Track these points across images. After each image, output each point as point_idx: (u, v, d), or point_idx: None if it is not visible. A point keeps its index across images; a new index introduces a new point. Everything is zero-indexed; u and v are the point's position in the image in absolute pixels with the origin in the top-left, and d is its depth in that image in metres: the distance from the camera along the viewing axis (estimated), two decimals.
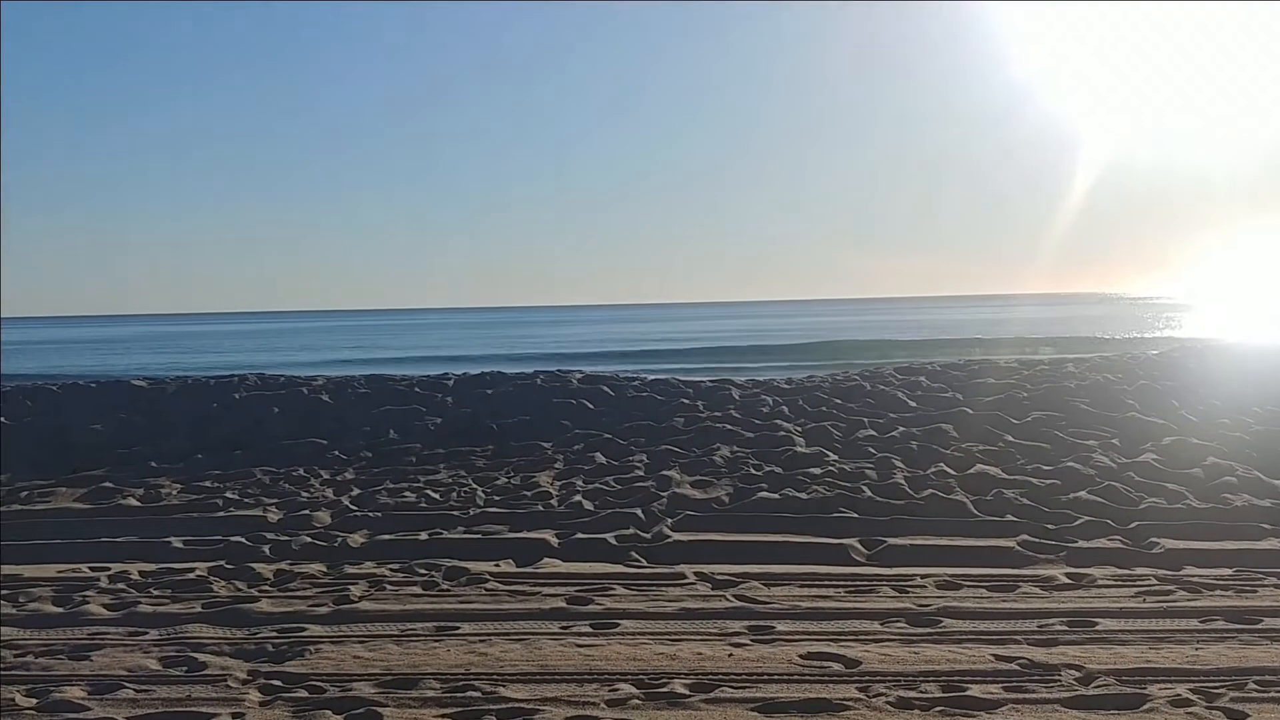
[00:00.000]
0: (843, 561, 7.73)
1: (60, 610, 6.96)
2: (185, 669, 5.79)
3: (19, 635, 6.51)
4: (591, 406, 12.85)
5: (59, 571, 8.01)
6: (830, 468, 10.23)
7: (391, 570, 7.69)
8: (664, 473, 10.22)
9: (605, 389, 13.57)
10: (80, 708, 5.24)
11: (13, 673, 5.80)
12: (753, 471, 10.18)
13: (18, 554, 8.53)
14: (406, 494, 9.89)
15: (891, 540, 8.05)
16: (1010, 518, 8.57)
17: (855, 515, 8.69)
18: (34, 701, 5.34)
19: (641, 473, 10.37)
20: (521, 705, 5.09)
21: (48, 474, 11.00)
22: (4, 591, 7.45)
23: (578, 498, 9.47)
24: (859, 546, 7.97)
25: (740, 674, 5.46)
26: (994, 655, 5.66)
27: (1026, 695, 5.11)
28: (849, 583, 7.16)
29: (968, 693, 5.12)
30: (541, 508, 9.24)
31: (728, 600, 6.78)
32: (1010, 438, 11.24)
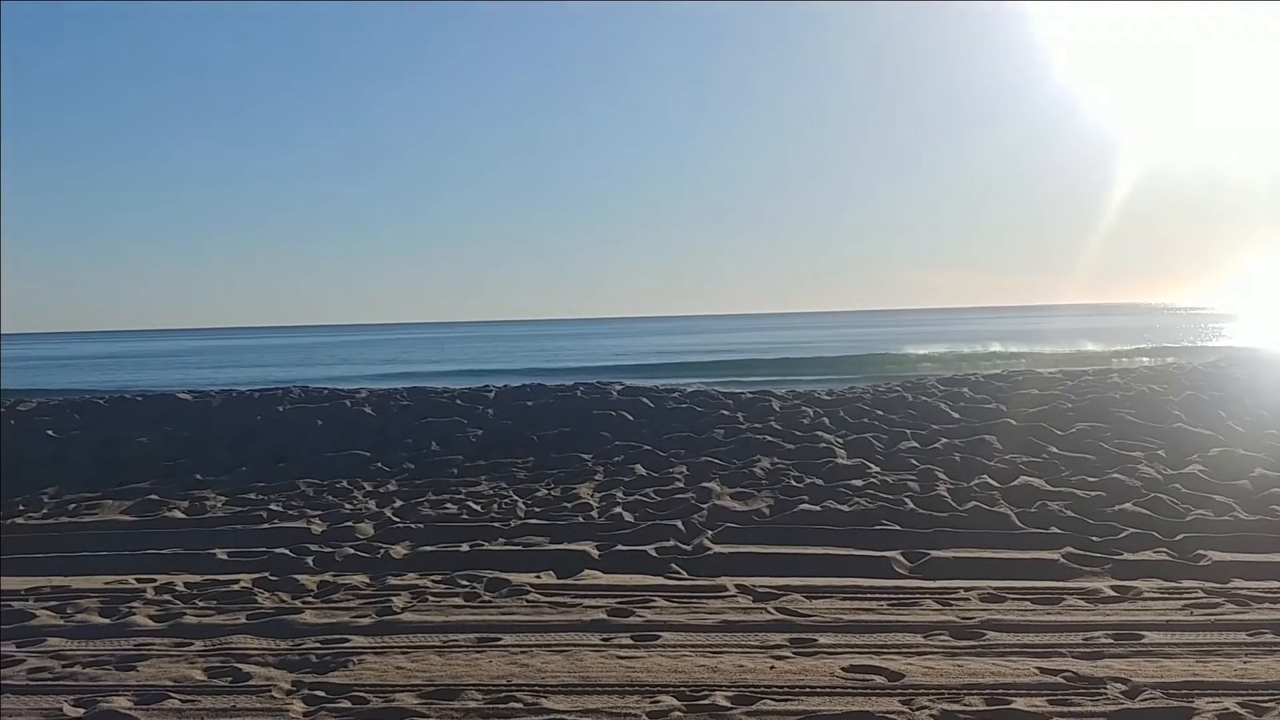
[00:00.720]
0: (885, 574, 7.68)
1: (107, 621, 7.04)
2: (230, 679, 5.84)
3: (67, 645, 6.59)
4: (631, 418, 12.87)
5: (106, 583, 8.11)
6: (872, 480, 10.18)
7: (434, 581, 7.73)
8: (704, 485, 10.22)
9: (645, 401, 13.60)
10: (127, 718, 5.30)
11: (60, 683, 5.88)
12: (794, 483, 10.16)
13: (65, 565, 8.65)
14: (448, 506, 9.94)
15: (934, 553, 8.00)
16: (1055, 530, 8.49)
17: (898, 527, 8.65)
18: (81, 711, 5.41)
19: (682, 485, 10.37)
20: (563, 716, 5.09)
21: (95, 486, 11.15)
22: (52, 602, 7.56)
23: (618, 510, 9.49)
24: (901, 559, 7.92)
25: (782, 687, 5.44)
26: (1038, 668, 5.61)
27: (1071, 709, 5.06)
28: (891, 595, 7.12)
29: (1012, 706, 5.07)
30: (582, 519, 9.26)
31: (769, 613, 6.76)
32: (1054, 449, 11.15)
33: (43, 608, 7.39)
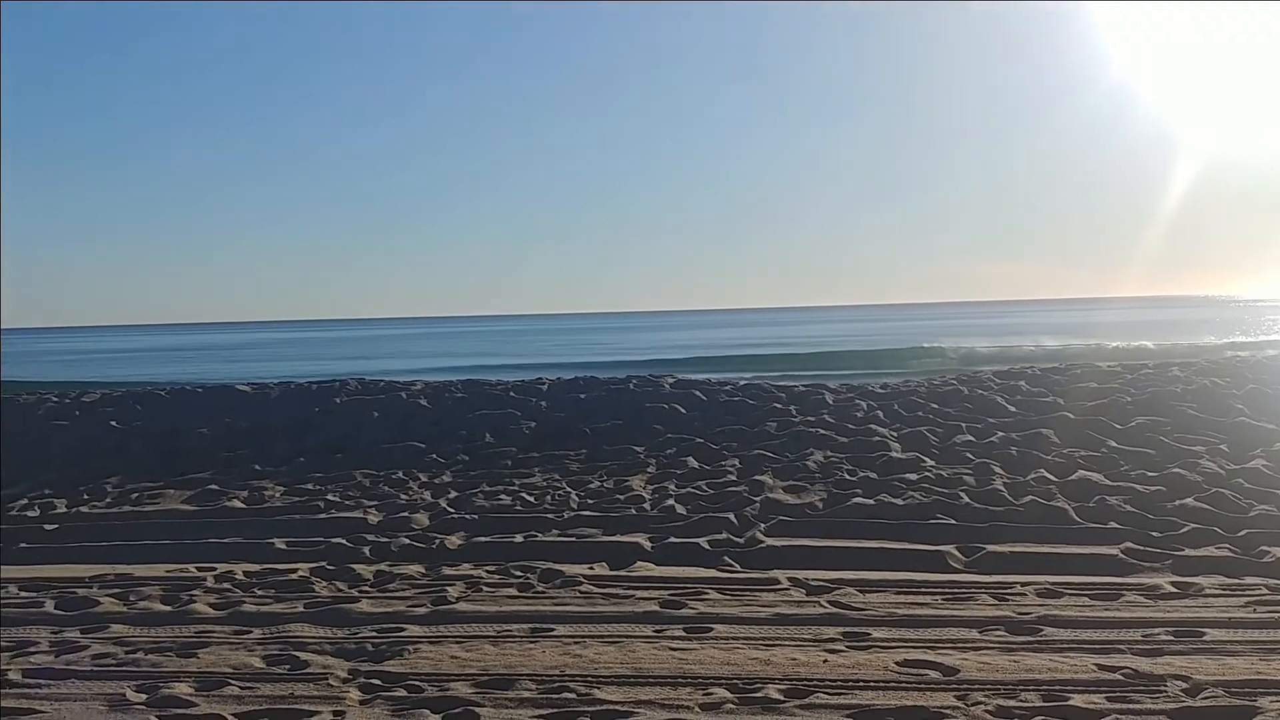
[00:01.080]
0: (940, 568, 7.63)
1: (169, 609, 7.17)
2: (288, 667, 5.92)
3: (130, 632, 6.72)
4: (684, 411, 12.87)
5: (167, 571, 8.26)
6: (927, 473, 10.11)
7: (488, 572, 7.79)
8: (757, 477, 10.20)
9: (697, 394, 13.58)
10: (188, 704, 5.39)
11: (123, 668, 5.99)
12: (847, 477, 10.11)
13: (128, 553, 8.82)
14: (502, 497, 10.00)
15: (990, 547, 7.93)
16: (1113, 525, 8.39)
17: (953, 521, 8.59)
18: (144, 697, 5.51)
19: (734, 477, 10.36)
20: (616, 707, 5.12)
21: (157, 476, 11.33)
22: (116, 589, 7.71)
23: (670, 502, 9.50)
24: (956, 553, 7.86)
25: (835, 680, 5.42)
26: (1097, 665, 5.55)
27: (1131, 706, 4.99)
28: (946, 590, 7.07)
29: (1070, 702, 5.02)
30: (634, 511, 9.28)
31: (822, 606, 6.74)
32: (1113, 443, 11.00)
33: (106, 595, 7.55)
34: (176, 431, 12.67)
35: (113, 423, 13.05)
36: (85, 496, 10.74)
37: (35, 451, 12.29)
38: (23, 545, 9.24)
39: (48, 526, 9.78)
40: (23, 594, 7.70)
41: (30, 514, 10.23)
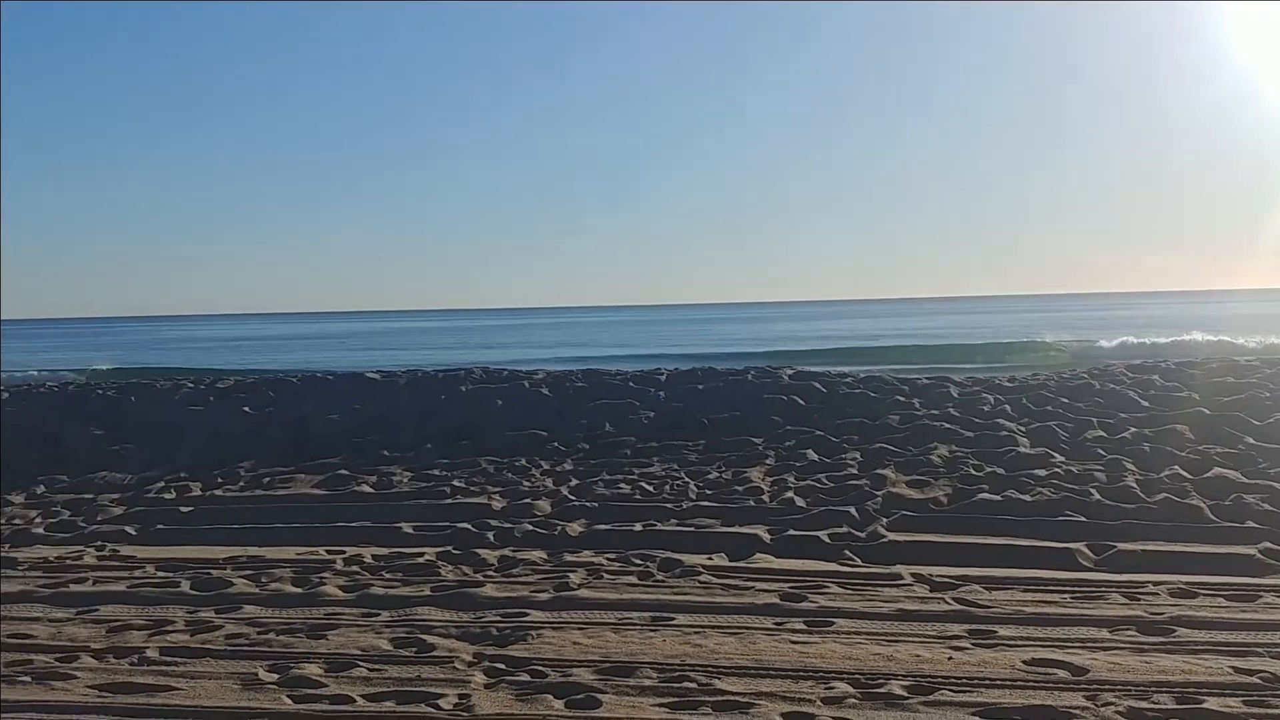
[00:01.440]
0: (1069, 566, 7.45)
1: (299, 591, 7.38)
2: (415, 650, 6.05)
3: (262, 613, 6.94)
4: (803, 403, 12.78)
5: (298, 553, 8.50)
6: (1056, 469, 9.87)
7: (608, 559, 7.86)
8: (878, 471, 10.08)
9: (817, 385, 13.47)
10: (318, 684, 5.55)
11: (256, 648, 6.19)
12: (972, 472, 9.93)
13: (260, 536, 9.10)
14: (622, 486, 10.07)
15: (1121, 545, 7.72)
16: (1251, 524, 8.09)
17: (1083, 519, 8.37)
18: (275, 677, 5.68)
19: (855, 471, 10.26)
20: (737, 698, 5.12)
21: (288, 461, 11.67)
22: (248, 571, 7.97)
23: (790, 494, 9.45)
24: (1086, 551, 7.67)
25: (960, 677, 5.34)
26: (1232, 667, 5.36)
27: (1269, 711, 4.82)
28: (1075, 588, 6.90)
29: (1204, 705, 4.87)
30: (753, 503, 9.26)
31: (946, 603, 6.64)
32: (1251, 440, 10.60)
33: (240, 576, 7.80)
34: (307, 417, 13.02)
35: (246, 408, 13.48)
36: (219, 480, 11.10)
37: (171, 436, 12.75)
38: (159, 527, 9.60)
39: (183, 509, 10.14)
40: (160, 574, 8.01)
41: (166, 496, 10.62)
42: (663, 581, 7.24)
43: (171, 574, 7.95)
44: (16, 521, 9.95)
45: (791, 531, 8.33)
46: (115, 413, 13.75)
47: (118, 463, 11.82)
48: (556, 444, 11.85)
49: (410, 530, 8.98)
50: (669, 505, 9.23)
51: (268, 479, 11.03)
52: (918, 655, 5.70)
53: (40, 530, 9.65)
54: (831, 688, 5.25)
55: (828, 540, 8.09)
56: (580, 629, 6.28)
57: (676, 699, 5.14)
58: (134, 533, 9.43)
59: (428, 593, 7.16)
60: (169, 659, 6.02)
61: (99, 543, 9.16)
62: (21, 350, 63.65)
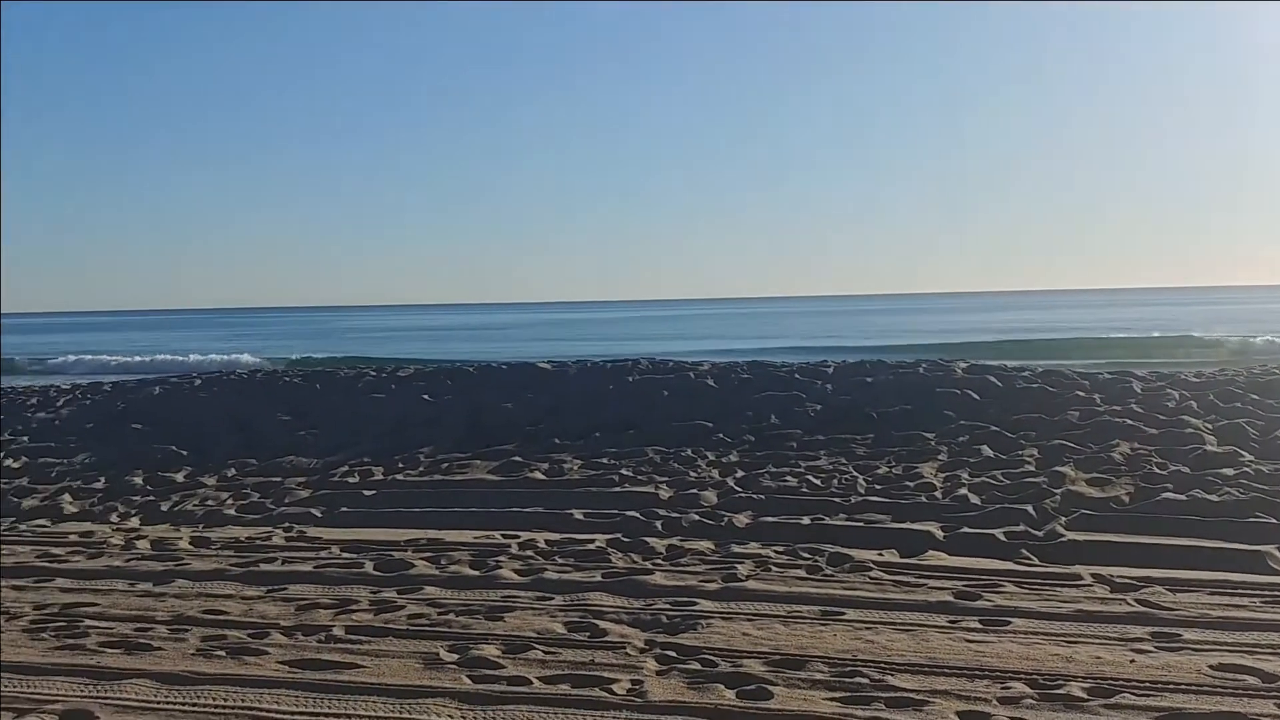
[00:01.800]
0: (1259, 569, 7.10)
1: (477, 573, 7.59)
2: (588, 634, 6.16)
3: (441, 594, 7.16)
4: (977, 397, 12.49)
5: (475, 537, 8.75)
6: (1245, 469, 9.41)
7: (776, 552, 7.84)
8: (1056, 469, 9.78)
9: (992, 379, 13.14)
10: (496, 665, 5.70)
11: (436, 629, 6.39)
12: (1156, 470, 9.55)
13: (439, 520, 9.39)
14: (788, 478, 10.03)
15: None
16: None
17: (1274, 521, 7.97)
18: (455, 657, 5.86)
19: (1032, 468, 9.98)
20: (910, 695, 5.06)
21: (465, 448, 11.99)
22: (428, 553, 8.23)
23: (963, 491, 9.26)
24: (1277, 554, 7.30)
25: (1143, 681, 5.16)
26: None
27: None
28: (1266, 592, 6.57)
29: None
30: (925, 499, 9.10)
31: (1128, 604, 6.41)
32: None
33: (420, 558, 8.07)
34: (483, 406, 13.36)
35: (425, 396, 13.90)
36: (400, 465, 11.49)
37: (355, 422, 13.24)
38: (343, 509, 9.99)
39: (366, 492, 10.53)
40: (344, 555, 8.35)
41: (350, 480, 11.05)
42: (832, 576, 7.19)
43: (355, 555, 8.28)
44: (210, 503, 10.51)
45: (965, 529, 8.16)
46: (301, 399, 14.37)
47: (304, 447, 12.34)
48: (722, 435, 11.87)
49: (581, 517, 9.13)
50: (837, 500, 9.16)
51: (446, 464, 11.36)
52: (1098, 657, 5.53)
53: (232, 511, 10.17)
54: (1008, 687, 5.14)
55: (1003, 538, 7.90)
56: (749, 620, 6.29)
57: (848, 694, 5.11)
58: (319, 515, 9.85)
59: (599, 579, 7.28)
60: (354, 637, 6.27)
61: (287, 524, 9.60)
62: (200, 340, 67.17)
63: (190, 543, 8.98)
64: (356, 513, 9.87)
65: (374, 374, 15.70)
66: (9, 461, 12.48)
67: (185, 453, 12.35)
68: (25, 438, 13.66)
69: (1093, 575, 7.03)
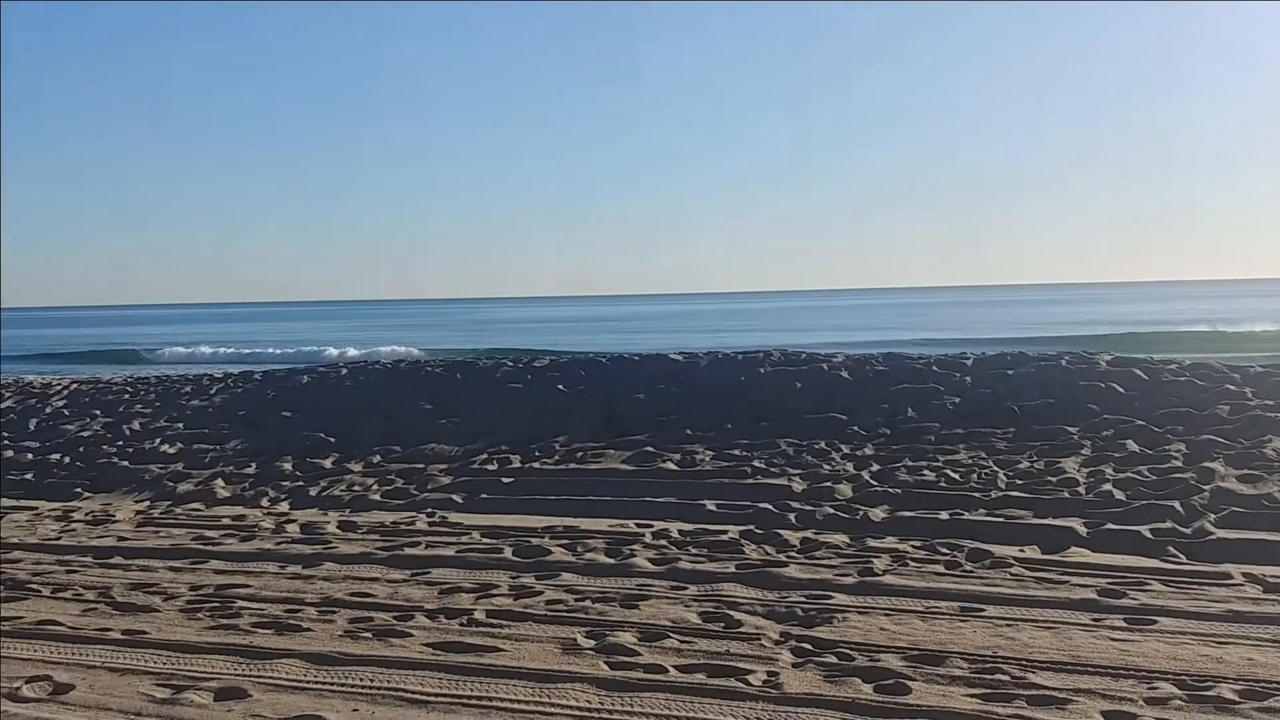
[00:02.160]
0: None
1: (612, 561, 7.70)
2: (722, 625, 6.21)
3: (578, 581, 7.29)
4: (1122, 390, 12.11)
5: (609, 525, 8.87)
6: None
7: (913, 547, 7.76)
8: (1205, 465, 9.45)
9: (1137, 372, 12.73)
10: (632, 652, 5.79)
11: (573, 614, 6.52)
12: None
13: (574, 508, 9.54)
14: (925, 472, 9.90)
15: None
16: None
17: None
18: (593, 643, 5.97)
19: (1179, 463, 9.66)
20: (1053, 693, 4.98)
21: (599, 437, 12.12)
22: (564, 540, 8.38)
23: (1107, 486, 9.02)
24: None
25: None
26: None
27: None
28: None
29: None
30: (1067, 494, 8.90)
31: None
32: None
33: (557, 545, 8.22)
34: (616, 396, 13.48)
35: (560, 386, 14.08)
36: (536, 453, 11.67)
37: (493, 411, 13.49)
38: (483, 496, 10.23)
39: (504, 480, 10.74)
40: (484, 540, 8.55)
41: (489, 468, 11.27)
42: (971, 572, 7.10)
43: (495, 540, 8.47)
44: (356, 488, 10.85)
45: (1110, 525, 7.96)
46: (442, 389, 14.69)
47: (445, 435, 12.63)
48: (856, 428, 11.76)
49: (714, 508, 9.17)
50: (976, 494, 9.01)
51: (580, 453, 11.51)
52: (1250, 659, 5.36)
53: (377, 497, 10.49)
54: (1155, 688, 5.02)
55: (1149, 535, 7.69)
56: (886, 615, 6.26)
57: (988, 690, 5.06)
58: (460, 501, 10.10)
59: (733, 569, 7.31)
60: (495, 621, 6.43)
61: (429, 509, 9.87)
62: (340, 330, 69.18)
63: (338, 527, 9.31)
64: (495, 499, 10.09)
65: (511, 364, 15.95)
66: (165, 447, 13.06)
67: (332, 440, 12.77)
68: (180, 424, 14.26)
69: (1244, 575, 6.81)
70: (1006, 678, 5.20)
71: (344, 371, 16.77)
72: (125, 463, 12.49)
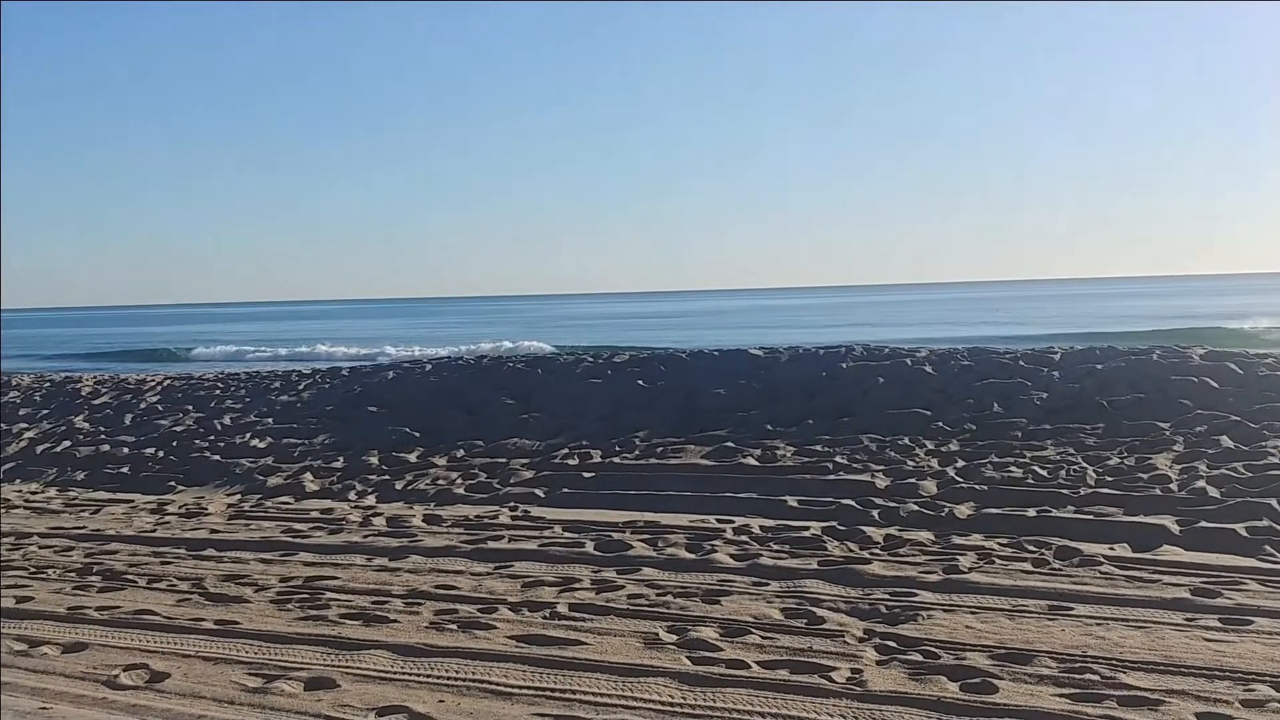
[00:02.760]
0: None
1: (693, 557, 7.70)
2: (805, 621, 6.18)
3: (659, 576, 7.31)
4: (1216, 385, 11.80)
5: (690, 520, 8.87)
6: None
7: (1000, 544, 7.65)
8: None
9: (1232, 367, 12.40)
10: (714, 648, 5.78)
11: (655, 609, 6.53)
12: None
13: (655, 503, 9.56)
14: (1012, 469, 9.74)
15: None
16: None
17: None
18: (674, 638, 5.97)
19: (1277, 459, 9.37)
20: (1145, 694, 4.87)
21: (679, 432, 12.12)
22: (645, 535, 8.39)
23: (1201, 483, 8.80)
24: None
25: None
26: None
27: None
28: None
29: None
30: (1159, 491, 8.70)
31: None
32: None
33: (637, 539, 8.24)
34: (696, 391, 13.46)
35: (640, 382, 14.10)
36: (617, 448, 11.71)
37: (575, 406, 13.56)
38: (564, 490, 10.29)
39: (585, 474, 10.79)
40: (566, 534, 8.61)
41: (570, 462, 11.34)
42: (1059, 570, 6.97)
43: (576, 535, 8.52)
44: (440, 482, 10.98)
45: (1203, 523, 7.77)
46: (524, 384, 14.81)
47: (527, 430, 12.73)
48: (941, 424, 11.61)
49: (795, 504, 9.13)
50: (1065, 491, 8.85)
51: (660, 449, 11.51)
52: None
53: (461, 491, 10.61)
54: (1251, 690, 4.90)
55: (1245, 534, 7.49)
56: (972, 613, 6.17)
57: (1078, 690, 4.97)
58: (542, 495, 10.18)
59: (815, 566, 7.27)
60: (577, 615, 6.47)
61: (512, 503, 9.96)
62: (417, 328, 70.05)
63: (423, 520, 9.43)
64: (577, 494, 10.15)
65: (591, 360, 16.02)
66: (255, 442, 13.34)
67: (417, 434, 12.93)
68: (270, 419, 14.55)
69: None
70: (1096, 678, 5.10)
71: (428, 367, 16.99)
72: (217, 457, 12.79)
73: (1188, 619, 5.92)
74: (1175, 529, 7.71)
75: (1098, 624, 5.89)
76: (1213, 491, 8.55)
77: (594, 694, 5.22)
